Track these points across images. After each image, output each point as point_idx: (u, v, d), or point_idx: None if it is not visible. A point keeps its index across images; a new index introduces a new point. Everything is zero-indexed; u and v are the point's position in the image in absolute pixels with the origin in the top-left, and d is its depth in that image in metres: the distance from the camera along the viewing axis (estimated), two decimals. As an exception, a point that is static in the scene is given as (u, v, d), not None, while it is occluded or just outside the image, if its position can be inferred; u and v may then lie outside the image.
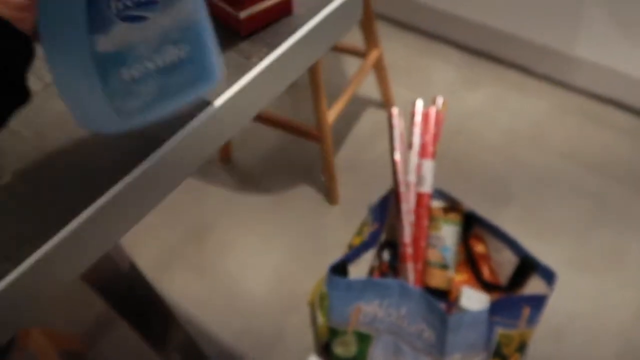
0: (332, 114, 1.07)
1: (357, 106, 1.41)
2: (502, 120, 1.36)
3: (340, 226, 1.15)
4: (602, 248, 1.09)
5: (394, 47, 1.58)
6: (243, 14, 0.37)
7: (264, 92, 0.38)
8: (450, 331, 0.70)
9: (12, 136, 0.34)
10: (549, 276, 0.80)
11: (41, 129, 0.35)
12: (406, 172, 0.91)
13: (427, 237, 0.88)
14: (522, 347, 0.78)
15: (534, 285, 0.83)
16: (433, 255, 0.90)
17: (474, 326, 0.71)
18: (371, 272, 0.95)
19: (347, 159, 1.28)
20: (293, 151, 1.31)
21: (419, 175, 0.90)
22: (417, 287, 0.80)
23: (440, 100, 0.95)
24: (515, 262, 0.86)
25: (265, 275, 1.08)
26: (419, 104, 0.93)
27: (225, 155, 1.27)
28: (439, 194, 0.94)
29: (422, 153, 0.92)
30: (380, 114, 1.38)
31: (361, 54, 1.23)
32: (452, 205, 0.92)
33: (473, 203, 1.18)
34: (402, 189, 0.88)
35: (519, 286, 0.86)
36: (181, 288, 1.06)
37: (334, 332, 0.80)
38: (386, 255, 0.96)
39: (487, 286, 0.90)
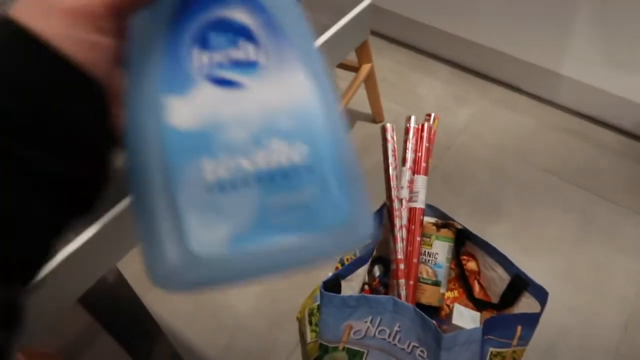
0: (324, 127, 1.06)
1: (348, 120, 1.40)
2: (491, 135, 1.37)
3: (330, 240, 1.14)
4: (591, 264, 1.10)
5: (385, 62, 1.59)
6: None
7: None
8: (444, 350, 0.69)
9: None
10: (541, 294, 0.80)
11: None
12: (399, 187, 0.90)
13: (419, 253, 0.87)
14: (513, 366, 0.78)
15: (525, 303, 0.83)
16: (425, 271, 0.89)
17: (467, 345, 0.70)
18: (361, 288, 0.94)
19: (337, 172, 1.27)
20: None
21: (412, 190, 0.90)
22: (410, 304, 0.79)
23: (433, 116, 0.95)
24: (507, 279, 0.86)
25: (252, 290, 1.06)
26: (413, 119, 0.93)
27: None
28: (430, 209, 0.93)
29: (415, 169, 0.91)
30: (370, 128, 1.38)
31: (353, 68, 1.23)
32: (445, 221, 0.92)
33: (462, 218, 1.19)
34: (395, 204, 0.88)
35: (510, 304, 0.85)
36: (166, 303, 1.03)
37: (324, 349, 0.78)
38: (377, 271, 0.95)
39: (478, 303, 0.90)
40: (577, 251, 1.12)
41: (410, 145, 0.92)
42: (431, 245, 0.90)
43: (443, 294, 0.89)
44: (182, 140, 0.21)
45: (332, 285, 0.78)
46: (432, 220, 0.93)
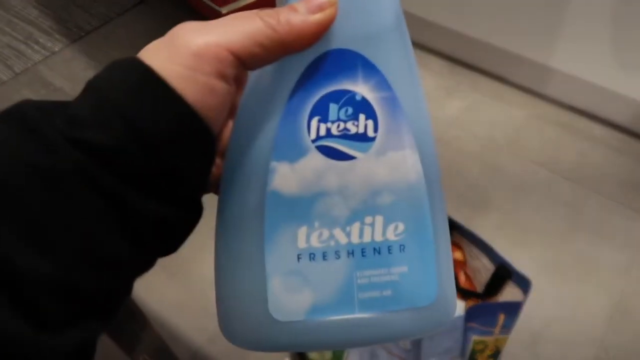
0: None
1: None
2: (480, 128, 1.38)
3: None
4: (577, 256, 1.11)
5: (376, 53, 1.59)
6: (225, 9, 0.36)
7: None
8: (426, 337, 0.70)
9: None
10: (524, 284, 0.80)
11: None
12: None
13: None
14: (496, 354, 0.78)
15: (509, 293, 0.84)
16: (410, 260, 0.90)
17: (449, 332, 0.71)
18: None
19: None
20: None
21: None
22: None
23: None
24: (492, 269, 0.86)
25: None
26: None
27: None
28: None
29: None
30: (361, 119, 1.38)
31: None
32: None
33: (450, 210, 1.19)
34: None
35: (494, 293, 0.86)
36: (155, 291, 1.04)
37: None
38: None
39: (463, 293, 0.91)
40: (564, 243, 1.13)
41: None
42: (417, 234, 0.90)
43: (428, 284, 0.89)
44: (282, 205, 0.21)
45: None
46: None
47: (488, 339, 0.76)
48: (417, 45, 1.61)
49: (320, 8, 0.21)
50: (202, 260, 1.09)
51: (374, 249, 0.21)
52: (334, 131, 0.21)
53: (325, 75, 0.21)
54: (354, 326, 0.21)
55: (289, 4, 0.21)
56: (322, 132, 0.21)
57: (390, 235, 0.22)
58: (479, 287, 0.90)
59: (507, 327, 0.77)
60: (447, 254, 0.24)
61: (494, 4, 1.37)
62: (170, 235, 0.23)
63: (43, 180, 0.18)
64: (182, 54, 0.20)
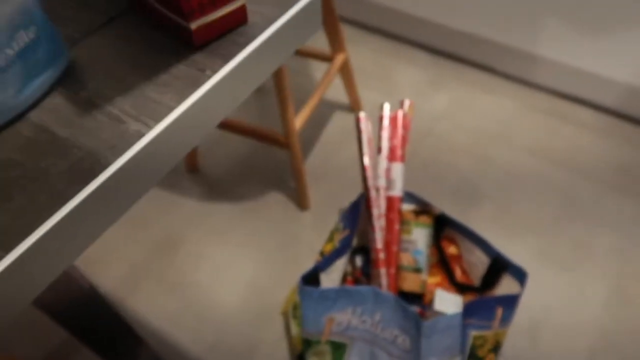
0: (299, 120, 1.05)
1: (326, 111, 1.40)
2: (469, 120, 1.37)
3: (313, 232, 1.13)
4: (572, 242, 1.11)
5: (361, 50, 1.58)
6: (194, 25, 0.35)
7: (219, 106, 0.37)
8: (425, 337, 0.69)
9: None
10: (520, 275, 0.80)
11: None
12: (376, 176, 0.90)
13: (399, 241, 0.87)
14: (496, 348, 0.78)
15: (506, 285, 0.83)
16: (405, 259, 0.89)
17: (448, 330, 0.70)
18: (344, 278, 0.94)
19: (317, 164, 1.27)
20: (262, 158, 1.29)
21: (389, 179, 0.90)
22: (390, 293, 0.79)
23: (407, 103, 0.95)
24: (487, 262, 0.86)
25: (238, 286, 1.06)
26: (386, 107, 0.93)
27: (193, 165, 1.24)
28: (409, 197, 0.93)
29: (391, 156, 0.91)
30: (349, 118, 1.37)
31: (328, 59, 1.22)
32: (423, 208, 0.92)
33: (444, 204, 1.19)
34: (372, 193, 0.87)
35: (491, 286, 0.86)
36: (151, 304, 1.03)
37: (307, 343, 0.78)
38: (359, 261, 0.95)
39: (460, 287, 0.90)
40: (558, 230, 1.13)
41: (385, 133, 0.92)
42: (410, 232, 0.90)
43: (425, 281, 0.89)
44: None
45: (311, 279, 0.77)
46: (411, 207, 0.93)
47: (487, 333, 0.75)
48: (402, 40, 1.60)
49: None
50: (198, 270, 1.08)
51: (28, 46, 0.35)
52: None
53: None
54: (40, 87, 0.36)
55: None
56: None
57: (32, 35, 0.35)
58: (476, 281, 0.89)
59: (505, 320, 0.77)
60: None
61: (475, -5, 1.36)
62: None
63: None
64: None
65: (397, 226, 0.87)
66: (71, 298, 0.66)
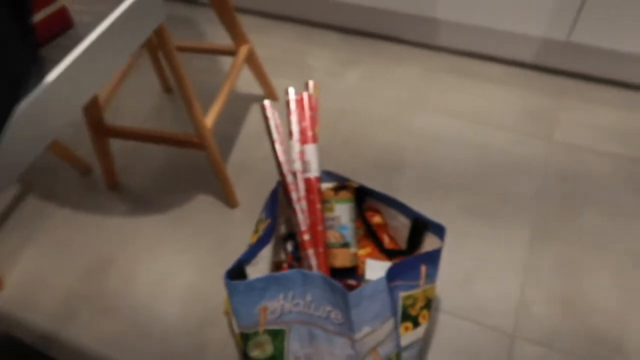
0: (210, 118, 1.04)
1: (242, 105, 1.39)
2: (384, 91, 1.40)
3: (245, 228, 1.13)
4: (494, 195, 1.16)
5: (271, 39, 1.58)
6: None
7: (54, 113, 0.35)
8: (353, 306, 0.71)
9: None
10: (440, 231, 0.83)
11: None
12: (290, 160, 0.90)
13: (323, 220, 0.88)
14: (428, 304, 0.81)
15: (429, 243, 0.86)
16: (332, 236, 0.90)
17: (375, 296, 0.72)
18: (279, 266, 0.95)
19: (240, 160, 1.26)
20: (183, 163, 1.27)
21: (304, 161, 0.90)
22: (317, 271, 0.80)
23: (311, 84, 0.95)
24: (409, 225, 0.89)
25: (177, 295, 1.04)
26: (291, 91, 0.93)
27: (111, 182, 1.20)
28: (327, 175, 0.94)
29: (303, 139, 0.92)
30: (267, 109, 1.37)
31: (232, 52, 1.21)
32: (342, 184, 0.93)
33: (369, 177, 1.21)
34: (288, 178, 0.88)
35: (417, 247, 0.89)
36: (91, 331, 0.99)
37: (246, 337, 0.78)
38: (289, 247, 0.95)
39: (389, 254, 0.93)
40: (479, 186, 1.17)
41: (293, 117, 0.92)
42: (333, 209, 0.91)
43: (355, 253, 0.91)
44: None
45: (237, 273, 0.77)
46: (330, 185, 0.94)
47: (415, 292, 0.78)
48: (310, 23, 1.61)
49: None
50: (135, 287, 1.06)
51: None
52: None
53: None
54: None
55: None
56: None
57: None
58: (403, 245, 0.92)
59: (431, 276, 0.80)
60: None
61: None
62: None
63: None
64: None
65: (318, 206, 0.88)
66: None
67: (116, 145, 1.32)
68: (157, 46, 1.29)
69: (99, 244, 1.13)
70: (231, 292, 0.74)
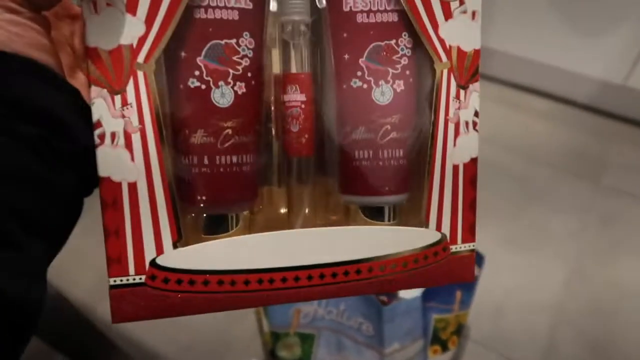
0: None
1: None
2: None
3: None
4: (530, 226, 1.15)
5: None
6: None
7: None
8: (387, 321, 0.72)
9: None
10: (478, 259, 0.83)
11: None
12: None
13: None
14: (459, 330, 0.81)
15: (466, 269, 0.86)
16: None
17: (408, 314, 0.73)
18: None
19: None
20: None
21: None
22: (354, 282, 0.82)
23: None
24: (447, 248, 0.89)
25: (210, 287, 1.07)
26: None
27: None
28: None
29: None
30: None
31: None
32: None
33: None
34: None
35: (452, 271, 0.89)
36: (123, 310, 1.03)
37: (276, 336, 0.80)
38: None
39: (423, 274, 0.94)
40: (518, 216, 1.17)
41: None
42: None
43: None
44: None
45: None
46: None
47: (448, 316, 0.78)
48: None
49: None
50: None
51: None
52: None
53: None
54: None
55: None
56: None
57: None
58: (438, 268, 0.92)
59: (465, 303, 0.80)
60: None
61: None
62: (56, 154, 0.26)
63: None
64: None
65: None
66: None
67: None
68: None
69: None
70: (269, 291, 0.77)
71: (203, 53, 0.30)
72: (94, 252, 1.12)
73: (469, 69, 0.34)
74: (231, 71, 0.30)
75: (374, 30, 0.32)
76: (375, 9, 0.32)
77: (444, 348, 0.79)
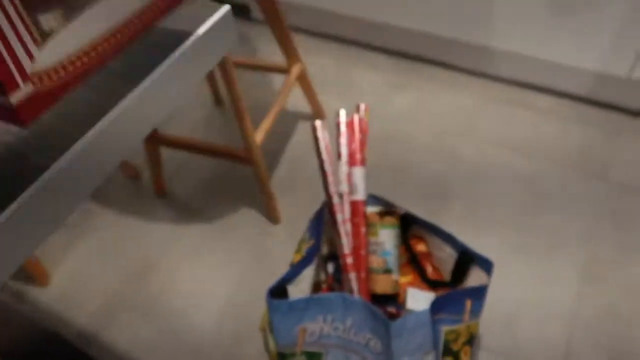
0: (259, 134, 1.06)
1: (290, 122, 1.40)
2: (433, 118, 1.39)
3: (286, 246, 1.13)
4: (543, 231, 1.12)
5: (322, 59, 1.59)
6: (15, 98, 0.27)
7: (126, 135, 0.36)
8: (395, 337, 0.69)
9: None
10: (487, 265, 0.81)
11: None
12: (337, 182, 0.90)
13: (367, 245, 0.88)
14: (470, 340, 0.78)
15: (475, 277, 0.84)
16: (375, 261, 0.89)
17: (418, 328, 0.70)
18: (318, 287, 0.94)
19: (285, 177, 1.27)
20: (229, 175, 1.29)
21: (351, 183, 0.90)
22: (358, 297, 0.79)
23: (362, 107, 0.95)
24: (455, 256, 0.87)
25: (215, 307, 1.05)
26: (342, 113, 0.93)
27: (160, 189, 1.23)
28: (373, 199, 0.94)
29: (351, 161, 0.91)
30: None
31: (284, 70, 1.23)
32: (388, 209, 0.92)
33: (414, 205, 1.20)
34: (335, 200, 0.88)
35: (461, 280, 0.86)
36: (127, 334, 1.01)
37: (283, 356, 0.77)
38: (331, 268, 0.95)
39: (432, 284, 0.91)
40: (528, 220, 1.14)
41: (342, 139, 0.92)
42: (377, 234, 0.90)
43: (397, 281, 0.89)
44: None
45: (278, 292, 0.77)
46: (376, 209, 0.93)
47: (459, 327, 0.76)
48: (360, 45, 1.62)
49: None
50: (174, 295, 1.07)
51: None
52: None
53: None
54: None
55: None
56: None
57: None
58: (447, 276, 0.90)
59: (476, 312, 0.77)
60: None
61: (425, -5, 1.38)
62: None
63: None
64: None
65: (363, 230, 0.87)
66: (33, 344, 0.65)
67: (165, 153, 1.36)
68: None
69: (142, 248, 1.15)
70: (272, 311, 0.74)
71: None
72: (99, 275, 1.11)
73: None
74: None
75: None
76: None
77: (457, 359, 0.76)
